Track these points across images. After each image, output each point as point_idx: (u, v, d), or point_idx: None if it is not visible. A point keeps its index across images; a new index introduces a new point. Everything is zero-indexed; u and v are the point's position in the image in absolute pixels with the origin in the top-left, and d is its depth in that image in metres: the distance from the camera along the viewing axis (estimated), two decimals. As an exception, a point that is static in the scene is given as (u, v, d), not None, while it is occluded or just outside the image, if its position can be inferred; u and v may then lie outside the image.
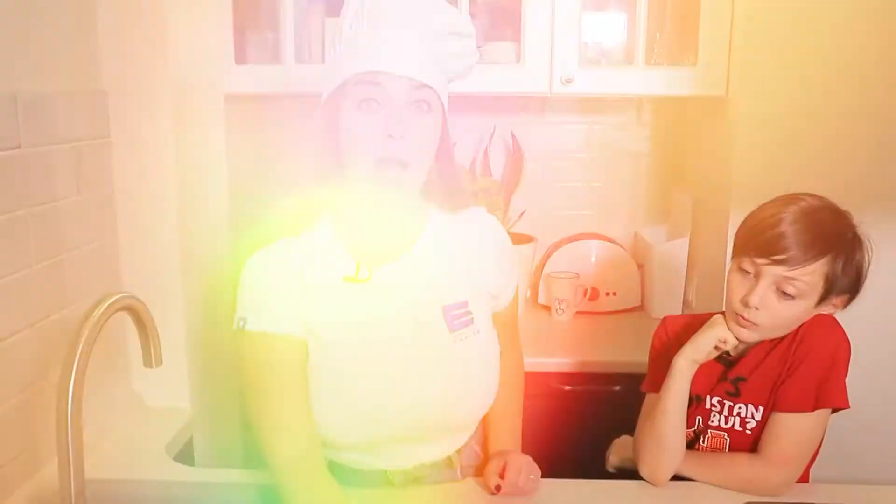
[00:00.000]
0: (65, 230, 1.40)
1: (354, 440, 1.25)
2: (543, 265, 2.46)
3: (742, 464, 1.33)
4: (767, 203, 1.33)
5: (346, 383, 1.21)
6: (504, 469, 1.31)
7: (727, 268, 1.96)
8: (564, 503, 1.28)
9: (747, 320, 1.29)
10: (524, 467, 1.32)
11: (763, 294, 1.27)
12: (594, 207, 2.57)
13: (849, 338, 1.33)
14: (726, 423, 1.37)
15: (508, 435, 1.43)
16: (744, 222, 1.35)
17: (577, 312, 2.36)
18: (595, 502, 1.28)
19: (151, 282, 1.59)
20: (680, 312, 2.33)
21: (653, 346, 1.49)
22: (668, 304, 2.32)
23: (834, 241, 1.27)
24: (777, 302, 1.28)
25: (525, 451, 2.08)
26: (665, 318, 1.50)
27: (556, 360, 2.04)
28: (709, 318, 1.38)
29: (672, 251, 2.31)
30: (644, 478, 1.36)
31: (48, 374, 1.35)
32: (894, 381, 1.94)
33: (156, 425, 1.60)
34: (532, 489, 1.31)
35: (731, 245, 1.44)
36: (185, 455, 1.61)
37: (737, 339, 1.32)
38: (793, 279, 1.25)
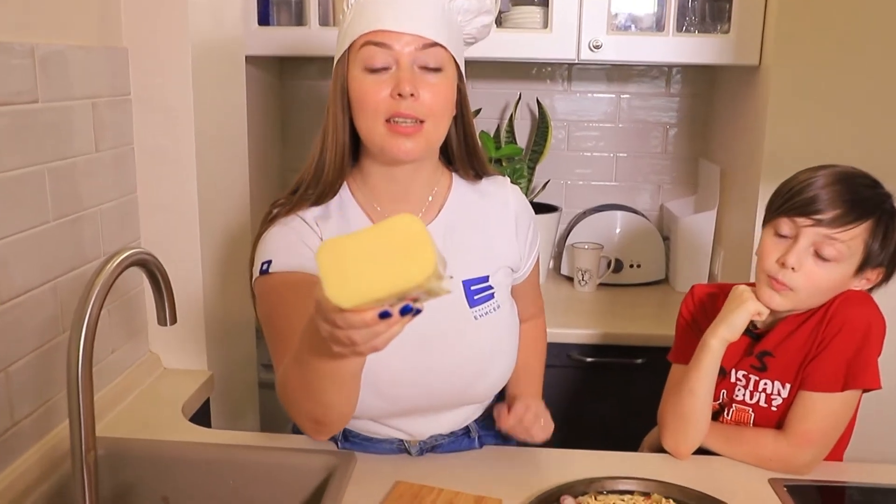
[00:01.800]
0: (83, 187, 1.39)
1: (371, 413, 1.23)
2: (567, 235, 2.43)
3: (767, 441, 1.29)
4: (800, 171, 1.29)
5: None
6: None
7: (755, 241, 1.93)
8: (588, 473, 1.25)
9: (782, 284, 1.24)
10: (533, 406, 1.27)
11: (801, 255, 1.23)
12: (620, 178, 2.53)
13: (881, 316, 1.28)
14: (751, 399, 1.33)
15: (531, 392, 1.39)
16: (777, 190, 1.31)
17: (601, 284, 2.33)
18: (619, 473, 1.25)
19: (171, 241, 1.58)
20: (706, 286, 2.29)
21: (680, 315, 1.45)
22: (693, 278, 2.27)
23: (874, 207, 1.23)
24: (814, 265, 1.23)
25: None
26: (693, 288, 1.46)
27: (578, 332, 2.01)
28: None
29: (698, 224, 2.26)
30: (667, 451, 1.33)
31: (67, 331, 1.34)
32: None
33: (173, 386, 1.59)
34: (539, 433, 1.26)
35: (760, 217, 1.39)
36: (201, 416, 1.60)
37: (768, 307, 1.28)
38: (834, 240, 1.21)
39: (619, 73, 2.46)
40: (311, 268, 1.11)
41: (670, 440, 1.33)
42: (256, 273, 1.17)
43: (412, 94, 1.09)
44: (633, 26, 2.12)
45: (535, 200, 2.41)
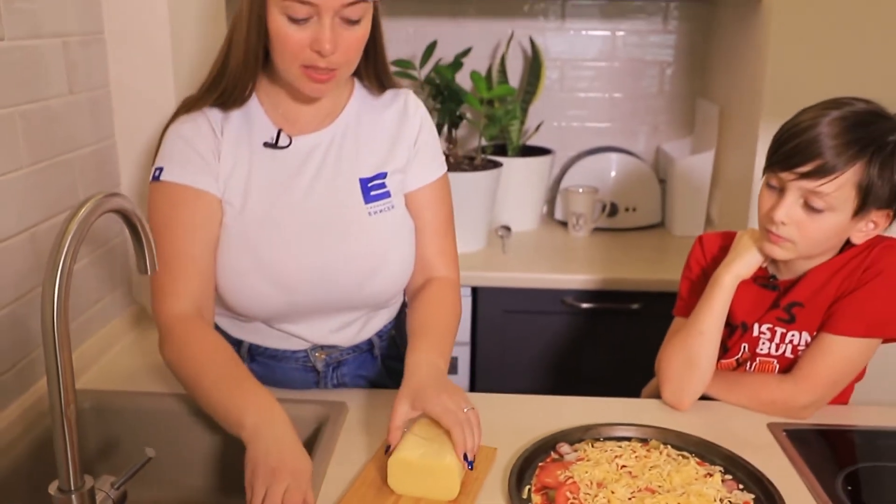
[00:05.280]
0: (58, 131, 1.33)
1: (272, 308, 1.24)
2: (560, 179, 2.38)
3: (771, 384, 1.27)
4: (807, 108, 1.23)
5: (256, 246, 1.20)
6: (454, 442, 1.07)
7: (755, 184, 1.89)
8: (584, 420, 1.22)
9: (777, 236, 1.21)
10: (459, 415, 1.08)
11: (789, 208, 1.18)
12: (615, 119, 2.47)
13: None
14: (777, 351, 1.29)
15: (432, 348, 1.21)
16: (773, 138, 1.25)
17: (595, 228, 2.30)
18: (615, 420, 1.23)
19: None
20: (702, 230, 2.25)
21: (688, 267, 1.40)
22: (689, 221, 2.25)
23: (863, 148, 1.15)
24: (805, 216, 1.18)
25: (542, 370, 2.05)
26: (702, 238, 1.41)
27: (572, 277, 1.98)
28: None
29: (695, 165, 2.22)
30: (666, 402, 1.30)
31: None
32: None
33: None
34: (477, 421, 1.09)
35: (760, 158, 1.34)
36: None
37: (771, 257, 1.25)
38: (819, 193, 1.16)
39: (614, 8, 2.38)
40: (201, 182, 1.17)
41: (671, 390, 1.29)
42: (151, 174, 1.19)
43: (331, 52, 1.10)
44: (629, -41, 2.04)
45: (528, 143, 2.35)
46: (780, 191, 1.20)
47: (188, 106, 1.21)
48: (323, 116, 1.25)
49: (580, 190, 2.25)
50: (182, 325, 1.15)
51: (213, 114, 1.20)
